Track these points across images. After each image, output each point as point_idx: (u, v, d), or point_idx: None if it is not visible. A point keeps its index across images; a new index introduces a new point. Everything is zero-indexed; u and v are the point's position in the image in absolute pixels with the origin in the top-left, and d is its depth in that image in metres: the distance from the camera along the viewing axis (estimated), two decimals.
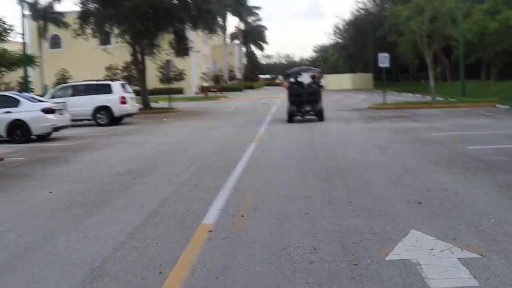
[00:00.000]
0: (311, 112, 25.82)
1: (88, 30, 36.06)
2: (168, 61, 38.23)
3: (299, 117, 26.05)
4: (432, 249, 6.34)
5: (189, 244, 7.01)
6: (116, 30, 36.94)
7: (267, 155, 14.95)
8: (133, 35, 35.70)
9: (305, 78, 26.54)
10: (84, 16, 35.17)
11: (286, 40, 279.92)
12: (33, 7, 77.49)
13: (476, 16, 46.52)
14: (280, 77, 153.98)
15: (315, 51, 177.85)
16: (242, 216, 8.27)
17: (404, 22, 61.57)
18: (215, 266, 6.14)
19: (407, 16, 59.30)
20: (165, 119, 31.06)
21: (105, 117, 28.37)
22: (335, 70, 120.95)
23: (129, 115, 29.77)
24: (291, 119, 25.75)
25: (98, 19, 34.68)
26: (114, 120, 28.73)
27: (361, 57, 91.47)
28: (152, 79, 71.55)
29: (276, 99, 53.74)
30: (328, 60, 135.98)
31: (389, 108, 32.97)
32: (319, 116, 25.67)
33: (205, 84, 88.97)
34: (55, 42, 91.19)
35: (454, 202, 8.63)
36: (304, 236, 7.08)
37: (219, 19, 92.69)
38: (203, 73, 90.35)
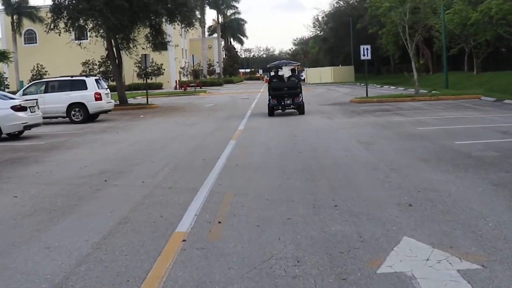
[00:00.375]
0: (292, 106, 26.18)
1: (62, 25, 35.14)
2: (145, 55, 37.29)
3: (279, 111, 26.58)
4: (428, 260, 5.80)
5: (160, 256, 6.43)
6: (90, 24, 36.08)
7: (247, 153, 14.38)
8: (107, 29, 34.92)
9: (285, 72, 27.70)
10: (56, 10, 34.30)
11: (265, 33, 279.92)
12: (6, 1, 76.30)
13: (457, 7, 46.23)
14: (260, 71, 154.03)
15: (295, 44, 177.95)
16: (220, 222, 7.69)
17: (385, 13, 61.56)
18: (188, 282, 5.57)
19: (387, 7, 59.31)
20: (142, 116, 30.39)
21: (80, 114, 27.65)
22: (315, 63, 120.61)
23: (105, 111, 29.07)
24: (272, 113, 26.15)
25: (70, 12, 33.83)
26: (90, 117, 28.03)
27: (341, 49, 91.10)
28: (130, 74, 71.34)
29: (257, 93, 53.30)
30: (309, 53, 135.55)
31: (372, 101, 32.54)
32: (300, 109, 26.12)
33: (184, 79, 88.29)
34: (30, 37, 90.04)
35: (447, 204, 8.11)
36: (286, 246, 6.52)
37: (197, 12, 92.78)
38: (182, 68, 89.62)
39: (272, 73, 27.31)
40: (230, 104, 38.10)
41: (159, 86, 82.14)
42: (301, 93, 26.25)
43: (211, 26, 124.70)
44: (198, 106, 37.90)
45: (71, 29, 34.91)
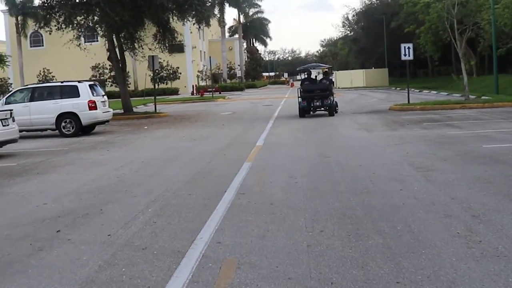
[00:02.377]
0: (322, 108, 27.98)
1: (58, 22, 32.20)
2: (153, 57, 34.36)
3: (311, 113, 28.26)
4: None
5: None
6: (89, 22, 33.15)
7: (264, 183, 11.24)
8: (107, 26, 32.02)
9: (317, 74, 30.09)
10: (47, 5, 31.36)
11: (291, 34, 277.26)
12: (10, 1, 74.01)
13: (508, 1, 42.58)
14: (286, 75, 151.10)
15: (322, 46, 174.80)
16: None
17: (423, 10, 58.51)
18: None
19: (425, 3, 56.04)
20: (146, 127, 27.39)
21: (71, 126, 24.70)
22: (345, 65, 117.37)
23: (101, 122, 26.12)
24: (302, 114, 27.94)
25: (63, 7, 30.89)
26: (83, 129, 25.15)
27: (374, 50, 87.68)
28: (144, 79, 68.54)
29: (281, 99, 50.30)
30: (338, 55, 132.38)
31: (415, 109, 29.26)
32: (330, 111, 27.90)
33: (203, 83, 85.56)
34: (36, 40, 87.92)
35: None
36: None
37: (212, 8, 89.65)
38: (200, 71, 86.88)
39: (304, 76, 29.35)
40: (250, 112, 35.04)
41: (175, 91, 79.46)
42: (332, 95, 27.95)
43: (232, 27, 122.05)
44: (213, 114, 34.87)
45: (63, 26, 31.90)
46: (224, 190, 10.63)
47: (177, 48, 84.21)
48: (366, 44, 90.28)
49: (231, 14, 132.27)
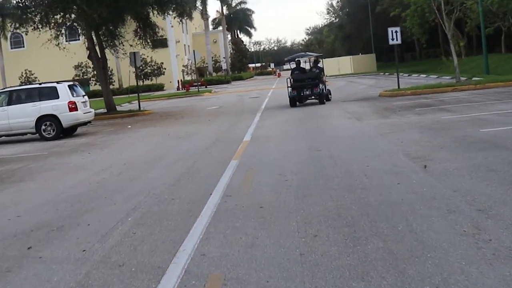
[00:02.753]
0: (312, 97, 28.41)
1: (34, 22, 31.30)
2: (134, 53, 33.61)
3: (301, 102, 28.70)
4: None
5: None
6: (68, 20, 32.28)
7: (252, 183, 10.63)
8: (86, 24, 31.24)
9: (305, 63, 30.31)
10: (21, 5, 30.47)
11: (275, 24, 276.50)
12: None
13: None
14: (272, 65, 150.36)
15: (308, 34, 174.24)
16: None
17: None
18: None
19: None
20: (129, 126, 26.73)
21: (52, 129, 23.97)
22: (332, 53, 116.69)
23: (83, 124, 25.42)
24: (293, 103, 28.34)
25: (38, 6, 30.04)
26: (64, 131, 24.44)
27: (360, 36, 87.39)
28: (128, 76, 67.73)
29: (268, 90, 49.80)
30: (324, 42, 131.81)
31: (406, 94, 28.70)
32: (320, 99, 28.23)
33: (188, 78, 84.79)
34: (17, 41, 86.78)
35: None
36: None
37: (197, 1, 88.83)
38: (184, 66, 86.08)
39: (294, 65, 29.78)
40: (236, 106, 34.40)
41: (160, 87, 78.65)
42: (322, 83, 28.31)
43: (215, 19, 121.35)
44: (199, 109, 34.19)
45: (40, 26, 31.05)
46: (210, 192, 10.02)
47: (161, 43, 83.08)
48: (352, 30, 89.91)
49: (214, 6, 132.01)
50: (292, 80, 28.56)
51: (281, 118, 22.90)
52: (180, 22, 34.75)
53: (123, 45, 34.31)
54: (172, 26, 35.10)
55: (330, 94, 30.61)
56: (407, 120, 18.10)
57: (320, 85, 27.96)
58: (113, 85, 78.08)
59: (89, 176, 13.39)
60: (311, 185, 9.87)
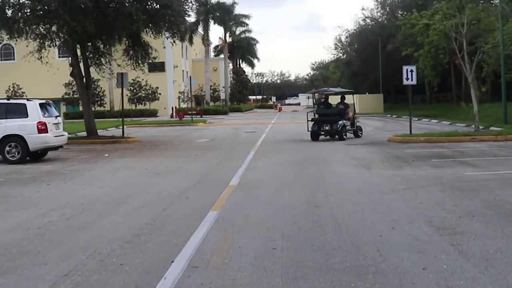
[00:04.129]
0: (331, 132, 29.39)
1: (11, 31, 29.08)
2: (122, 74, 31.51)
3: (317, 139, 29.47)
4: None
5: None
6: (50, 32, 30.06)
7: (229, 249, 8.39)
8: (69, 37, 29.16)
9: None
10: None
11: (280, 56, 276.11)
12: None
13: None
14: (273, 98, 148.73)
15: (313, 69, 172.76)
16: None
17: (423, 31, 56.17)
18: None
19: (425, 24, 53.71)
20: (106, 155, 24.51)
21: (17, 151, 21.72)
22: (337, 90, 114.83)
23: (54, 148, 23.20)
24: (314, 138, 29.41)
25: (15, 16, 27.83)
26: (31, 155, 22.23)
27: (368, 75, 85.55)
28: (120, 99, 65.53)
29: (267, 125, 47.70)
30: (329, 79, 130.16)
31: (419, 141, 26.53)
32: (339, 135, 29.11)
33: (184, 105, 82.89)
34: (7, 53, 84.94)
35: None
36: None
37: (199, 27, 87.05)
38: (181, 92, 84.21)
39: (322, 100, 31.75)
40: (230, 140, 32.23)
41: (153, 113, 76.69)
42: (342, 119, 29.25)
43: (217, 46, 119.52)
44: (188, 141, 31.99)
45: (16, 35, 28.91)
46: (172, 259, 7.81)
47: (158, 66, 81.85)
48: (359, 67, 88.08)
49: (217, 33, 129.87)
50: (314, 114, 30.04)
51: (277, 160, 20.70)
52: (173, 43, 32.60)
53: (110, 64, 32.26)
54: (164, 47, 32.69)
55: (361, 131, 31.74)
56: (423, 174, 15.88)
57: (340, 122, 29.02)
58: (104, 107, 76.25)
59: (33, 216, 11.16)
60: (307, 260, 7.64)
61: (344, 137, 29.28)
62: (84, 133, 34.33)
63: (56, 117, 23.30)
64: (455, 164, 17.97)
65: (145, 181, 16.12)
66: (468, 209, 10.81)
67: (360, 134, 31.28)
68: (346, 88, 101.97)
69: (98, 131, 36.26)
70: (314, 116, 29.87)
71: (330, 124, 29.06)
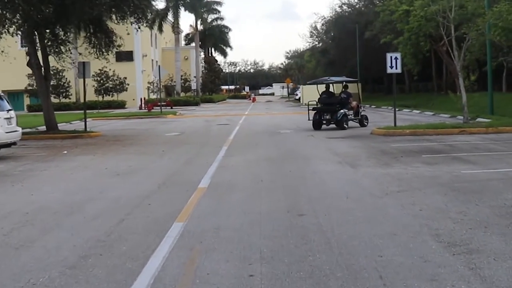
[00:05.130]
0: (332, 122, 29.98)
1: None
2: (84, 63, 29.82)
3: (319, 127, 30.11)
4: None
5: None
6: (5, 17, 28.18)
7: (196, 275, 6.92)
8: (24, 24, 27.39)
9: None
10: None
11: (254, 45, 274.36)
12: None
13: (503, 7, 38.73)
14: (247, 88, 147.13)
15: (288, 58, 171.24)
16: None
17: (402, 18, 54.86)
18: None
19: (405, 10, 52.39)
20: (65, 152, 22.87)
21: None
22: (312, 79, 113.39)
23: (6, 145, 21.49)
24: (315, 127, 30.05)
25: None
26: None
27: (345, 63, 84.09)
28: (88, 90, 63.34)
29: (240, 116, 46.26)
30: (304, 67, 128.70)
31: (404, 134, 25.19)
32: (339, 124, 29.63)
33: (154, 96, 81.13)
34: None
35: None
36: None
37: (169, 13, 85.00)
38: (150, 83, 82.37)
39: (324, 89, 31.91)
40: (201, 133, 30.72)
41: (121, 105, 74.80)
42: (343, 109, 29.94)
43: (188, 34, 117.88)
44: (156, 135, 30.40)
45: None
46: None
47: (125, 56, 79.96)
48: (336, 56, 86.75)
49: (187, 20, 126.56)
50: (316, 103, 31.06)
51: (252, 156, 19.22)
52: (138, 30, 30.88)
53: (71, 53, 30.52)
54: (128, 34, 30.98)
55: (367, 120, 32.20)
56: (416, 172, 14.49)
57: (341, 111, 29.64)
58: (70, 98, 74.18)
59: None
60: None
61: (345, 126, 29.69)
62: (39, 128, 32.67)
63: (8, 111, 21.59)
64: (449, 161, 16.61)
65: (104, 183, 14.56)
66: (477, 217, 9.42)
67: (366, 123, 31.59)
68: (322, 77, 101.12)
69: (61, 124, 34.62)
70: (317, 105, 30.81)
71: (331, 113, 29.75)
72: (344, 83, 33.95)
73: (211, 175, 15.17)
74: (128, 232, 9.27)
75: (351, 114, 31.10)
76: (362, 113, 32.23)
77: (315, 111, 30.41)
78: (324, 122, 30.17)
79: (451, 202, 10.73)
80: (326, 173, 14.93)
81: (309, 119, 30.96)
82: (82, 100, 71.06)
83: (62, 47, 30.19)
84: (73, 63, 31.58)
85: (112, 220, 10.17)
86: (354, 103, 31.46)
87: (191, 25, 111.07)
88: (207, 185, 13.58)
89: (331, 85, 33.67)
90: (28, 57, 29.93)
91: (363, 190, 12.35)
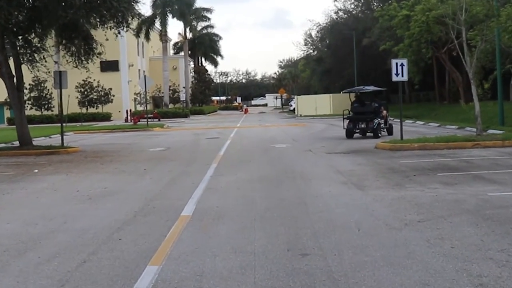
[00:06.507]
0: (368, 131, 31.09)
1: None
2: (60, 72, 28.17)
3: (352, 136, 31.22)
4: None
5: None
6: None
7: None
8: None
9: (368, 97, 33.41)
10: None
11: (246, 54, 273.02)
12: None
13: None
14: (239, 99, 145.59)
15: (281, 67, 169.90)
16: None
17: (403, 24, 53.44)
18: None
19: (405, 15, 50.95)
20: (36, 170, 21.17)
21: None
22: (307, 89, 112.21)
23: None
24: (349, 135, 31.12)
25: None
26: None
27: (341, 72, 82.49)
28: (71, 102, 61.71)
29: (232, 129, 44.60)
30: (298, 77, 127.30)
31: (412, 148, 23.55)
32: (374, 133, 30.73)
33: (141, 108, 79.51)
34: None
35: None
36: None
37: (156, 20, 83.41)
38: (136, 94, 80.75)
39: (354, 98, 32.96)
40: (188, 149, 29.03)
41: (106, 117, 73.12)
42: (377, 118, 30.94)
43: (177, 43, 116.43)
44: (139, 151, 28.68)
45: None
46: None
47: (111, 65, 78.28)
48: (332, 64, 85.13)
49: (176, 28, 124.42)
50: (349, 112, 32.07)
51: (244, 175, 17.55)
52: (118, 35, 29.13)
53: (46, 61, 28.82)
54: (107, 39, 29.15)
55: (392, 130, 32.26)
56: (435, 195, 12.85)
57: (375, 120, 30.63)
58: (52, 111, 72.37)
59: None
60: None
61: (379, 135, 30.69)
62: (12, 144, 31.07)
63: None
64: (470, 180, 14.99)
65: (71, 210, 12.85)
66: None
67: (393, 132, 31.94)
68: (317, 87, 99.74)
69: (39, 139, 32.93)
70: (349, 114, 31.90)
71: (366, 122, 30.73)
72: (373, 92, 35.32)
73: (196, 199, 13.49)
74: (88, 280, 7.59)
75: (382, 123, 31.81)
76: (389, 122, 33.06)
77: (348, 120, 31.32)
78: (357, 131, 31.12)
79: (487, 235, 9.09)
80: (330, 196, 13.25)
81: (344, 128, 31.63)
82: (64, 112, 70.05)
83: (36, 55, 28.47)
84: (48, 72, 29.83)
85: (72, 261, 8.49)
86: (384, 112, 32.12)
87: (179, 33, 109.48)
88: (191, 212, 11.90)
89: (359, 94, 33.94)
90: None
91: (377, 219, 10.68)
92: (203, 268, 7.90)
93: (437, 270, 7.42)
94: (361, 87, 37.19)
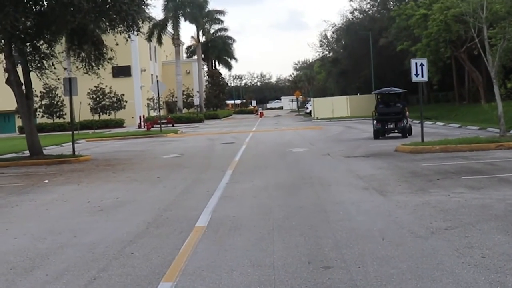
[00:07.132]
0: (396, 130, 32.37)
1: None
2: (70, 79, 27.96)
3: (384, 135, 32.81)
4: None
5: None
6: None
7: None
8: (4, 37, 25.59)
9: (391, 98, 34.85)
10: None
11: (260, 57, 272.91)
12: None
13: None
14: (254, 103, 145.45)
15: (296, 69, 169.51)
16: None
17: (420, 23, 52.95)
18: None
19: (423, 14, 50.42)
20: (46, 181, 20.92)
21: None
22: (323, 91, 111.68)
23: None
24: (376, 136, 32.60)
25: None
26: None
27: (358, 73, 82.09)
28: (84, 109, 61.55)
29: (247, 134, 44.29)
30: (314, 79, 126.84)
31: (434, 150, 23.13)
32: (403, 133, 32.08)
33: (154, 113, 79.39)
34: None
35: None
36: None
37: (168, 24, 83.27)
38: (149, 99, 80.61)
39: (379, 99, 34.53)
40: (203, 154, 28.75)
41: (119, 123, 72.98)
42: (405, 118, 32.35)
43: (190, 47, 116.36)
44: (152, 158, 28.42)
45: None
46: None
47: (123, 71, 78.16)
48: (348, 65, 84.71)
49: (188, 32, 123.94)
50: (377, 113, 32.90)
51: (260, 182, 17.21)
52: (128, 39, 28.79)
53: (55, 68, 28.59)
54: (117, 44, 28.71)
55: (411, 130, 33.51)
56: (461, 200, 12.46)
57: (404, 120, 32.08)
58: (64, 118, 72.28)
59: None
60: None
61: (407, 135, 31.97)
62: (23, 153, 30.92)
63: None
64: (496, 184, 14.59)
65: (81, 223, 12.55)
66: None
67: (412, 133, 33.11)
68: (333, 89, 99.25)
69: (51, 147, 32.68)
70: (375, 114, 32.93)
71: (395, 122, 32.14)
72: (396, 92, 35.85)
73: (212, 208, 13.17)
74: None
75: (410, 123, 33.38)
76: (409, 122, 33.71)
77: (378, 121, 32.41)
78: (385, 131, 32.41)
79: None
80: (351, 203, 12.88)
81: (374, 129, 32.69)
82: (76, 120, 69.94)
83: (44, 61, 28.24)
84: (58, 79, 29.62)
85: (81, 279, 8.19)
86: (407, 113, 33.19)
87: (192, 37, 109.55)
88: (206, 223, 11.58)
89: (384, 96, 35.37)
90: (6, 74, 28.02)
91: (401, 227, 10.31)
92: (219, 285, 7.58)
93: (469, 283, 7.06)
94: (389, 88, 37.44)
